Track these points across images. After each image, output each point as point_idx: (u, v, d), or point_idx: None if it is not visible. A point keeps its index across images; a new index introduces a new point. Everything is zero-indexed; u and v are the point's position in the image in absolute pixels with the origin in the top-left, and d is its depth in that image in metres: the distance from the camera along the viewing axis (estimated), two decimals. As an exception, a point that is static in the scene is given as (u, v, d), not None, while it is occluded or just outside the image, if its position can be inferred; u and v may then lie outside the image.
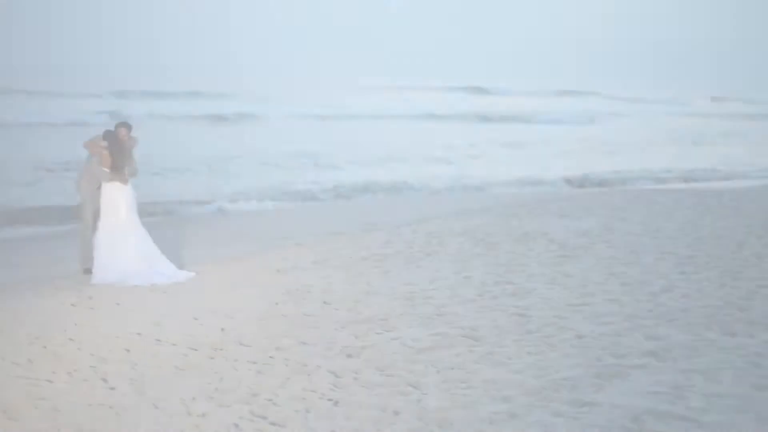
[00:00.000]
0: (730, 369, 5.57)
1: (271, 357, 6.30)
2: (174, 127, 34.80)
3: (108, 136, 9.39)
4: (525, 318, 7.11)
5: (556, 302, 7.63)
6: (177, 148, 26.50)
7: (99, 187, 9.35)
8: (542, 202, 15.82)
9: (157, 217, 14.92)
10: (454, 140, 34.28)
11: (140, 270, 9.16)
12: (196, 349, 6.58)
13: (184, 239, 12.25)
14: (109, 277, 9.09)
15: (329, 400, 5.34)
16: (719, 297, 7.56)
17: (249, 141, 30.78)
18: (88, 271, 9.35)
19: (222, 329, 7.15)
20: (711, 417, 4.80)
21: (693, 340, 6.26)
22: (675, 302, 7.45)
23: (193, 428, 4.93)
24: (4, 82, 48.39)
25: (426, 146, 31.20)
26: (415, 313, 7.44)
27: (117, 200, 9.29)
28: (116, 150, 9.27)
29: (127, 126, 9.52)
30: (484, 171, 23.86)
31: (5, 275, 9.65)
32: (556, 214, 13.82)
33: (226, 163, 23.45)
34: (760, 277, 8.31)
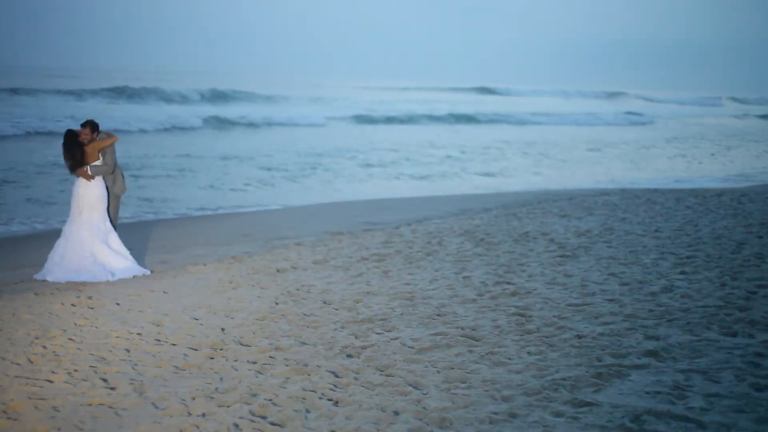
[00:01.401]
0: (730, 369, 5.57)
1: (271, 357, 6.30)
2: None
3: (66, 134, 9.59)
4: (525, 318, 7.11)
5: (556, 302, 7.63)
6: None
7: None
8: (542, 202, 15.82)
9: (164, 215, 14.94)
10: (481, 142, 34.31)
11: (84, 267, 9.40)
12: (196, 349, 6.58)
13: (184, 239, 12.25)
14: (50, 276, 9.36)
15: (329, 400, 5.34)
16: (719, 297, 7.56)
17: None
18: None
19: (222, 329, 7.15)
20: (711, 417, 4.80)
21: (693, 340, 6.26)
22: (675, 302, 7.45)
23: (193, 428, 4.93)
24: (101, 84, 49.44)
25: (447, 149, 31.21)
26: (415, 313, 7.45)
27: (78, 196, 9.58)
28: (71, 148, 9.47)
29: (91, 125, 9.62)
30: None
31: (5, 275, 9.65)
32: (556, 214, 13.82)
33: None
34: (760, 277, 8.31)
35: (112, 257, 9.55)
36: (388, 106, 55.55)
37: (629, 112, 62.21)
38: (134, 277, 9.49)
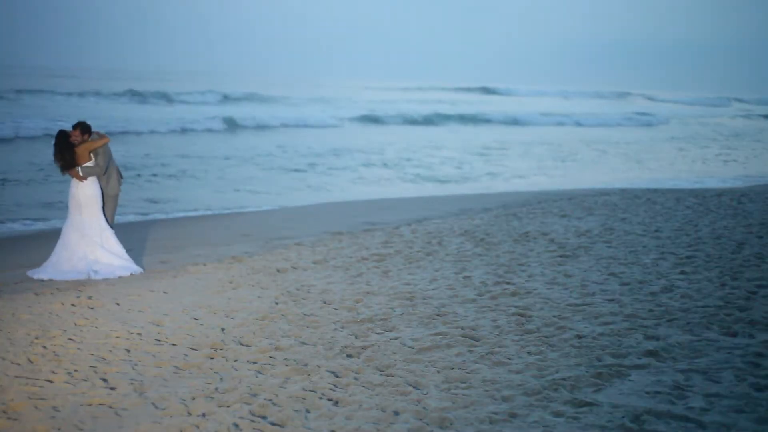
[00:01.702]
0: (730, 369, 5.57)
1: (271, 357, 6.30)
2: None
3: (57, 135, 9.72)
4: (525, 318, 7.11)
5: (556, 302, 7.63)
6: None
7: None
8: (542, 202, 15.82)
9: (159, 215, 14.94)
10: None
11: (75, 267, 9.54)
12: (196, 349, 6.58)
13: (184, 239, 12.26)
14: (39, 274, 9.48)
15: (329, 400, 5.34)
16: (719, 297, 7.56)
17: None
18: None
19: (222, 329, 7.15)
20: (711, 417, 4.80)
21: (693, 340, 6.26)
22: (675, 302, 7.45)
23: (193, 428, 4.93)
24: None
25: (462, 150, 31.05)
26: (415, 313, 7.45)
27: (72, 197, 9.73)
28: (62, 149, 9.59)
29: (82, 126, 9.72)
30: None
31: (5, 275, 9.66)
32: (556, 214, 13.82)
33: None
34: (760, 277, 8.31)
35: (104, 256, 9.64)
36: (391, 106, 55.36)
37: (643, 113, 61.09)
38: (121, 277, 9.54)
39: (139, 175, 19.91)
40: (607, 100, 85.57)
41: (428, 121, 46.19)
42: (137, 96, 48.06)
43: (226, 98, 52.25)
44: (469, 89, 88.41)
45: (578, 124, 49.78)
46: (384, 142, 32.81)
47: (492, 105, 63.73)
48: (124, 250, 9.86)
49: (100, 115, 35.25)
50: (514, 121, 48.45)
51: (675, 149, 34.58)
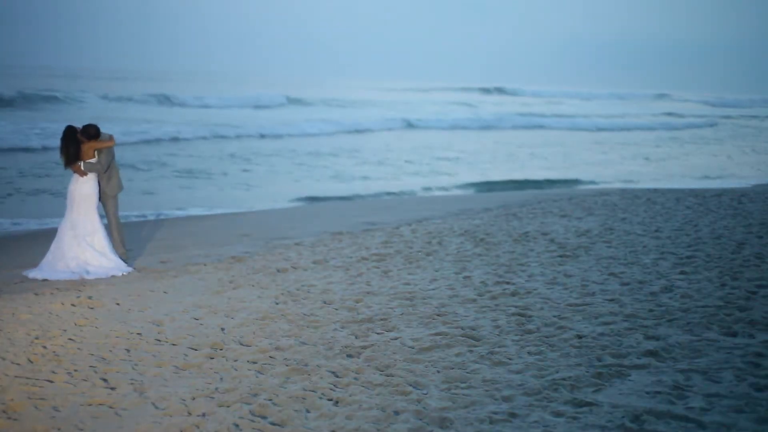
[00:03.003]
0: (730, 369, 5.57)
1: (271, 357, 6.30)
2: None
3: (65, 130, 9.85)
4: (525, 318, 7.11)
5: (556, 302, 7.63)
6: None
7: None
8: (542, 202, 15.83)
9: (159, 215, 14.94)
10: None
11: (68, 266, 9.61)
12: (196, 349, 6.58)
13: (184, 239, 12.26)
14: (34, 274, 9.53)
15: (329, 400, 5.34)
16: (719, 297, 7.56)
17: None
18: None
19: (222, 329, 7.15)
20: (711, 417, 4.80)
21: (693, 340, 6.26)
22: (675, 302, 7.45)
23: (193, 428, 4.93)
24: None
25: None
26: (415, 313, 7.45)
27: (70, 193, 9.87)
28: (68, 143, 9.73)
29: (94, 129, 9.82)
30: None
31: (5, 275, 9.66)
32: (556, 214, 13.82)
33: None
34: (760, 277, 8.31)
35: (95, 258, 9.69)
36: (423, 108, 54.93)
37: (691, 115, 59.63)
38: (114, 276, 9.57)
39: (137, 172, 19.90)
40: (635, 102, 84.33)
41: (485, 125, 44.84)
42: (168, 100, 47.59)
43: (289, 100, 51.85)
44: (486, 90, 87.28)
45: (626, 128, 46.73)
46: (396, 143, 32.76)
47: (530, 107, 62.51)
48: (115, 252, 9.89)
49: (131, 117, 34.99)
50: (575, 125, 46.61)
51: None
